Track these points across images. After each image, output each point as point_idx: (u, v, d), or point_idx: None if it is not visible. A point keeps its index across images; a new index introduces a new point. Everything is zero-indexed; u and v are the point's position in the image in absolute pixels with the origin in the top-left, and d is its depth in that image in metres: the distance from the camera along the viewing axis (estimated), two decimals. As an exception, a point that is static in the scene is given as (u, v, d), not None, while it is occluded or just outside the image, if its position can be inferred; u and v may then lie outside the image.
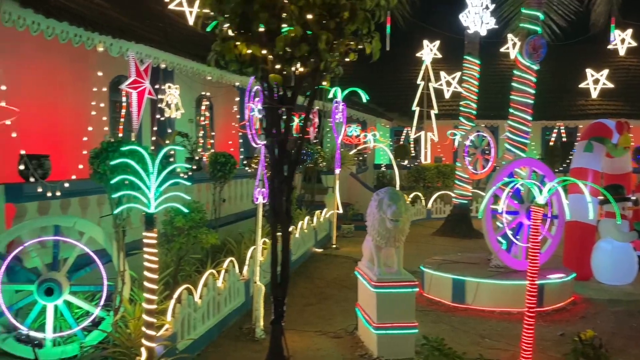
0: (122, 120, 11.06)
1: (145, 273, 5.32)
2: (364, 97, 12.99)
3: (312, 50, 4.46)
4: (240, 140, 14.14)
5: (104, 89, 9.77)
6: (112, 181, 5.21)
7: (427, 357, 4.90)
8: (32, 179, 6.32)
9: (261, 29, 4.41)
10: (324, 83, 5.11)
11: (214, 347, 6.69)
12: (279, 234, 5.34)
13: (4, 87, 5.74)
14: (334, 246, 13.60)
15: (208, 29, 5.39)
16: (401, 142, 23.89)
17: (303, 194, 15.83)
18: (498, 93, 21.13)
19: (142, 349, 5.25)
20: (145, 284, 5.31)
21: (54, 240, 5.74)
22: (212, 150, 14.16)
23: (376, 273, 6.44)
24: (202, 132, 14.53)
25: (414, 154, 22.94)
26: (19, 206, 6.36)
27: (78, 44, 6.69)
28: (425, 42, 23.89)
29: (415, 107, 23.09)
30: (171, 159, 8.31)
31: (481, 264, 9.27)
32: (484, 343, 6.94)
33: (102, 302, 5.78)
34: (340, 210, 14.96)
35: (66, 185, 6.36)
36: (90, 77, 9.58)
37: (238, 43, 4.42)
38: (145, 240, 5.30)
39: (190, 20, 13.87)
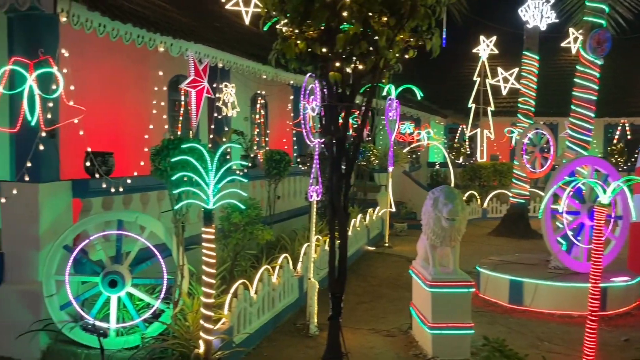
0: (180, 118, 11.37)
1: (204, 267, 5.46)
2: (419, 94, 12.85)
3: (372, 48, 4.46)
4: (294, 138, 14.25)
5: (164, 88, 10.07)
6: (173, 178, 5.36)
7: (487, 357, 4.80)
8: (97, 175, 6.56)
9: (321, 28, 4.44)
10: (383, 80, 5.08)
11: (268, 342, 6.79)
12: (336, 230, 5.37)
13: (72, 87, 5.98)
14: (387, 245, 13.53)
15: (265, 28, 5.48)
16: (456, 140, 23.47)
17: (355, 192, 15.82)
18: (558, 89, 20.46)
19: (200, 342, 5.39)
20: (204, 278, 5.45)
21: (117, 234, 5.96)
22: (267, 148, 14.37)
23: (431, 272, 6.37)
24: (257, 130, 14.75)
25: (469, 152, 22.50)
26: (85, 201, 6.65)
27: (140, 44, 6.91)
28: (482, 38, 23.37)
29: (471, 104, 22.65)
30: (227, 157, 8.48)
31: (540, 265, 9.00)
32: (542, 346, 6.75)
33: (162, 295, 5.96)
34: (393, 209, 14.87)
35: (128, 181, 6.59)
36: (150, 77, 9.89)
37: (298, 42, 4.47)
38: (203, 236, 5.43)
39: (247, 20, 14.08)
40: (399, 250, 13.12)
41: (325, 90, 5.02)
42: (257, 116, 14.82)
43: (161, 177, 5.63)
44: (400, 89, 13.11)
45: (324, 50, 4.50)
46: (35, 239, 6.09)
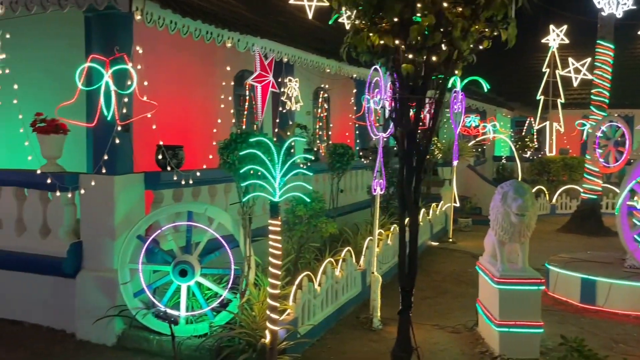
0: (245, 113, 11.57)
1: (270, 259, 5.55)
2: (485, 86, 12.52)
3: (445, 39, 4.38)
4: (357, 132, 14.22)
5: (231, 83, 10.28)
6: (241, 171, 5.47)
7: (564, 357, 4.65)
8: (168, 168, 6.79)
9: (394, 20, 4.40)
10: (456, 72, 4.99)
11: (331, 334, 6.84)
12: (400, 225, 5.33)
13: (145, 83, 6.20)
14: (451, 240, 13.30)
15: (330, 22, 5.49)
16: (523, 134, 22.74)
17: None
18: (634, 80, 19.44)
19: (267, 332, 5.50)
20: (270, 269, 5.54)
21: (187, 225, 6.15)
22: (330, 142, 14.40)
23: (499, 269, 6.22)
24: (319, 124, 14.81)
25: (537, 146, 21.74)
26: (156, 193, 6.89)
27: (209, 40, 7.09)
28: (552, 27, 22.47)
29: (539, 96, 21.87)
30: (291, 150, 8.55)
31: (614, 264, 8.61)
32: (617, 348, 6.46)
33: (229, 285, 6.11)
34: (457, 204, 14.59)
35: (198, 174, 6.78)
36: (216, 72, 10.10)
37: (371, 34, 4.45)
38: (270, 228, 5.52)
39: (310, 14, 14.13)
40: (463, 245, 12.88)
41: (396, 82, 4.97)
42: (319, 110, 14.88)
43: (229, 170, 5.76)
44: (465, 81, 12.82)
45: (397, 42, 4.46)
46: (111, 228, 6.37)
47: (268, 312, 5.51)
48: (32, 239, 6.73)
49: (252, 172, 5.65)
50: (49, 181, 6.40)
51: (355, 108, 13.95)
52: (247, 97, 13.22)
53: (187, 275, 5.92)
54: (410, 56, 4.51)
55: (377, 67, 7.09)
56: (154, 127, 6.83)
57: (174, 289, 6.08)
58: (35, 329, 6.74)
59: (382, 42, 4.44)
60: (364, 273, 8.22)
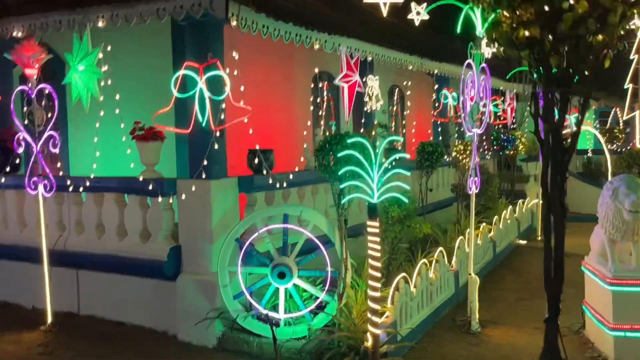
0: (323, 114, 11.58)
1: (369, 261, 5.47)
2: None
3: (600, 26, 4.12)
4: (439, 129, 13.93)
5: (311, 85, 10.30)
6: (339, 173, 5.43)
7: None
8: (264, 172, 6.85)
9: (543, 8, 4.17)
10: (605, 63, 4.72)
11: (429, 337, 6.67)
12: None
13: (242, 88, 6.28)
14: (539, 239, 12.75)
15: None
16: (609, 125, 21.56)
17: (500, 183, 15.10)
18: None
19: (367, 335, 5.42)
20: (370, 271, 5.46)
21: (284, 228, 6.16)
22: (404, 140, 14.19)
23: (611, 269, 5.86)
24: (394, 122, 14.61)
25: (625, 137, 20.57)
26: (250, 196, 6.97)
27: (298, 43, 7.10)
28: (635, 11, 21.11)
29: (627, 85, 20.62)
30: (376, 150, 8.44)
31: None
32: None
33: (326, 287, 6.07)
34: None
35: (290, 176, 6.80)
36: (297, 74, 10.16)
37: (514, 25, 4.26)
38: (368, 230, 5.44)
39: (384, 12, 13.94)
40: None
41: (542, 75, 4.74)
42: (394, 108, 14.68)
43: (325, 172, 5.73)
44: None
45: (544, 33, 4.23)
46: (208, 232, 6.49)
47: (369, 314, 5.44)
48: (133, 243, 6.97)
49: (348, 174, 5.61)
50: (150, 187, 6.60)
51: (436, 104, 13.67)
52: (325, 98, 13.26)
53: (285, 278, 5.94)
54: (558, 47, 4.27)
55: (471, 61, 6.89)
56: (250, 131, 6.94)
57: (272, 291, 6.10)
58: (138, 329, 6.98)
59: (526, 33, 4.23)
60: (457, 274, 8.00)
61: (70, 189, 7.00)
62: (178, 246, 6.72)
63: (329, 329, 5.94)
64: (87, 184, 6.94)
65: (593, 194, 15.92)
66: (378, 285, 5.43)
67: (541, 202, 12.64)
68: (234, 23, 5.90)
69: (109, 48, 6.38)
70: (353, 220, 6.55)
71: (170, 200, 6.78)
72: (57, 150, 6.84)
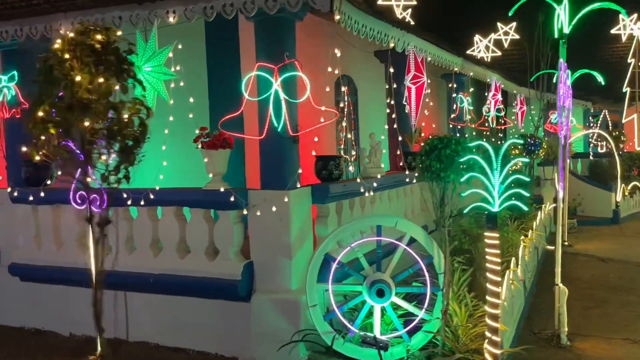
0: (345, 119, 11.15)
1: (488, 275, 5.05)
2: (602, 80, 11.80)
3: None
4: (457, 134, 13.64)
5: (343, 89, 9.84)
6: (462, 179, 4.99)
7: None
8: (338, 180, 6.35)
9: None
10: None
11: (522, 353, 6.26)
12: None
13: (328, 89, 5.82)
14: (566, 243, 12.56)
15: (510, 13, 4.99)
16: (597, 128, 21.78)
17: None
18: None
19: (486, 355, 4.99)
20: (489, 287, 5.05)
21: (378, 241, 5.67)
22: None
23: None
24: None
25: (624, 140, 20.80)
26: (322, 207, 6.45)
27: (378, 41, 6.64)
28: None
29: (625, 88, 20.91)
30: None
31: None
32: None
33: (425, 304, 5.60)
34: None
35: (374, 184, 6.33)
36: (324, 77, 9.66)
37: None
38: (487, 241, 5.02)
39: (398, 13, 13.65)
40: (582, 249, 12.18)
41: None
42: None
43: (430, 178, 5.27)
44: (577, 74, 12.11)
45: None
46: (286, 246, 5.95)
47: (489, 333, 5.02)
48: (197, 261, 6.34)
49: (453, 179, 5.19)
50: (218, 199, 6.02)
51: (454, 108, 13.39)
52: (346, 103, 12.80)
53: (384, 296, 5.43)
54: None
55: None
56: (316, 139, 6.44)
57: (367, 310, 5.59)
58: (201, 356, 6.36)
59: None
60: (524, 284, 7.65)
61: (129, 202, 6.32)
62: (250, 263, 6.14)
63: (431, 350, 5.47)
64: (144, 196, 6.28)
65: (604, 198, 16.07)
66: (498, 301, 5.01)
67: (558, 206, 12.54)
68: (337, 17, 5.39)
69: (180, 46, 5.77)
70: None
71: (240, 213, 6.20)
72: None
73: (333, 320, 5.76)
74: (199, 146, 6.23)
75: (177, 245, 6.48)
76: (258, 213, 6.04)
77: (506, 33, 19.39)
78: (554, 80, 12.32)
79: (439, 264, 5.60)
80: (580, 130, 20.63)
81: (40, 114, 3.71)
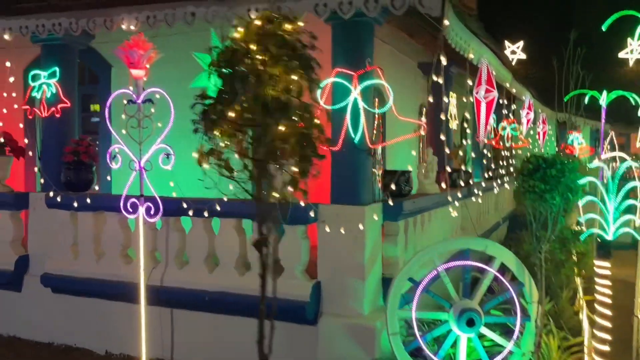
0: (374, 132, 10.81)
1: (597, 308, 4.67)
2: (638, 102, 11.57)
3: None
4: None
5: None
6: (582, 202, 4.62)
7: None
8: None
9: None
10: None
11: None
12: None
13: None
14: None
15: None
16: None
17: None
18: None
19: (592, 395, 4.60)
20: (597, 320, 4.67)
21: (464, 265, 5.26)
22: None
23: None
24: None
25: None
26: (391, 225, 6.04)
27: (465, 51, 6.28)
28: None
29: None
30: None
31: None
32: None
33: (515, 336, 5.19)
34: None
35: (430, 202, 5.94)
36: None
37: None
38: (597, 270, 4.65)
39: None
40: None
41: None
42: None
43: (533, 200, 4.88)
44: (612, 95, 11.88)
45: None
46: (359, 267, 5.52)
47: (597, 372, 4.63)
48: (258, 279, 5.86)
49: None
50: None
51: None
52: (377, 115, 12.48)
53: (474, 325, 5.01)
54: None
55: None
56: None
57: (453, 340, 5.16)
58: (258, 382, 5.85)
59: None
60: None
61: (190, 212, 5.83)
62: (318, 283, 5.69)
63: (520, 385, 5.06)
64: (209, 207, 5.81)
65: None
66: (608, 337, 4.62)
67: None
68: (446, 22, 5.01)
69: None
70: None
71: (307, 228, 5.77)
72: (169, 167, 5.69)
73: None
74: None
75: (236, 261, 6.00)
76: (327, 229, 5.61)
77: (513, 52, 19.20)
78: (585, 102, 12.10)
79: (530, 292, 5.20)
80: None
81: (232, 114, 3.21)
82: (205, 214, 5.76)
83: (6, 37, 6.55)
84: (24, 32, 6.40)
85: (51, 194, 6.79)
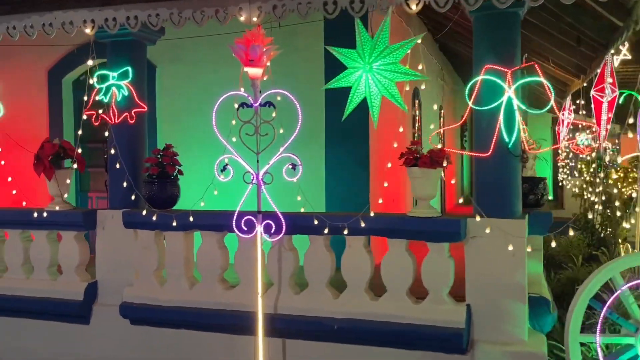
0: (415, 134, 10.38)
1: None
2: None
3: None
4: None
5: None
6: None
7: None
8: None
9: None
10: None
11: None
12: None
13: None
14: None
15: None
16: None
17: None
18: None
19: None
20: None
21: (647, 283, 4.72)
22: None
23: None
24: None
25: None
26: (533, 239, 5.47)
27: None
28: None
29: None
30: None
31: None
32: None
33: None
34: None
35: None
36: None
37: None
38: None
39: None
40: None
41: None
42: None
43: None
44: (625, 94, 11.70)
45: None
46: (519, 287, 4.90)
47: None
48: (397, 304, 5.17)
49: None
50: (432, 228, 4.94)
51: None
52: (419, 116, 11.98)
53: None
54: None
55: None
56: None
57: (638, 367, 4.62)
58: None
59: None
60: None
61: (325, 231, 5.10)
62: (468, 306, 5.05)
63: None
64: (351, 224, 5.10)
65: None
66: None
67: None
68: None
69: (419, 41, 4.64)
70: None
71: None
72: (295, 180, 4.96)
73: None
74: (403, 164, 5.13)
75: (367, 284, 5.30)
76: (477, 243, 4.99)
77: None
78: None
79: None
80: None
81: None
82: (345, 231, 5.04)
83: (87, 31, 5.67)
84: (111, 26, 5.53)
85: (129, 211, 5.95)
